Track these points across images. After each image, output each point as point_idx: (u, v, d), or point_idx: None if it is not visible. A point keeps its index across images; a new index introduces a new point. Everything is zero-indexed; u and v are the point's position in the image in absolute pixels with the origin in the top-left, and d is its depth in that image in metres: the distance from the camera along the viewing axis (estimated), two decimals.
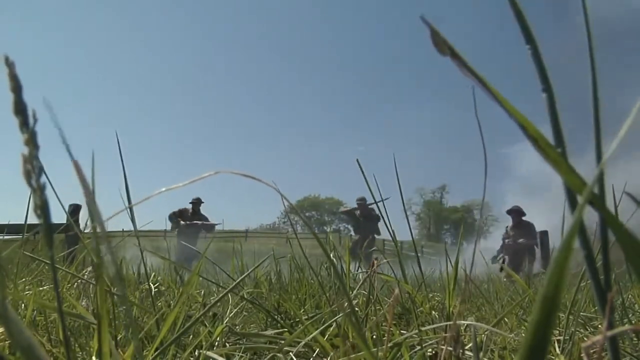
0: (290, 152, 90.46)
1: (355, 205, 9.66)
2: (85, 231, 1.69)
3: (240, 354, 0.94)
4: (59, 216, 1.25)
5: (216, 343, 1.00)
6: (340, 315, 0.94)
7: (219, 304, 1.34)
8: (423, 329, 0.93)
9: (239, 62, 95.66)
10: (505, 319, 1.26)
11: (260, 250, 3.63)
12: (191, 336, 1.04)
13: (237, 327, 1.25)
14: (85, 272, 1.51)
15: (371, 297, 1.11)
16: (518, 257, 8.21)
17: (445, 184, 68.95)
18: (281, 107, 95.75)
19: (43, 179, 0.36)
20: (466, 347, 0.83)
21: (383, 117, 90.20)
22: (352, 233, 9.91)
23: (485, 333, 0.99)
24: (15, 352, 0.77)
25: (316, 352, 0.91)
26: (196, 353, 0.90)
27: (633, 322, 1.29)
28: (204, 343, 0.97)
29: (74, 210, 4.80)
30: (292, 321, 1.24)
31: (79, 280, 1.54)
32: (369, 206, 9.20)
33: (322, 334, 0.94)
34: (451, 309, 1.09)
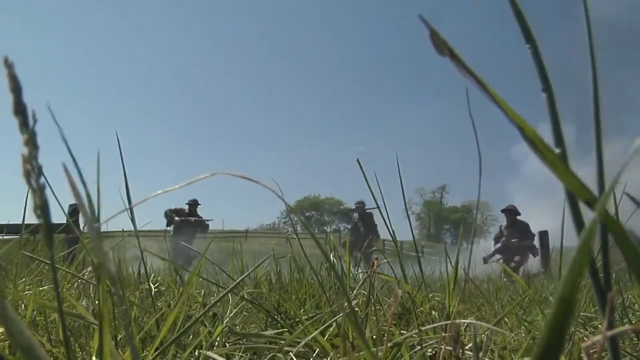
0: (290, 152, 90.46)
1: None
2: (85, 232, 1.69)
3: (240, 354, 0.94)
4: (58, 216, 1.25)
5: (216, 343, 1.00)
6: (340, 315, 0.94)
7: (219, 304, 1.34)
8: (423, 328, 0.93)
9: (239, 62, 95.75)
10: (505, 318, 1.26)
11: (260, 250, 3.63)
12: (191, 336, 1.04)
13: (237, 327, 1.25)
14: (85, 272, 1.52)
15: (371, 297, 1.11)
16: (511, 257, 8.19)
17: (446, 184, 69.06)
18: (281, 107, 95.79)
19: (43, 179, 0.36)
20: (466, 347, 0.83)
21: (383, 117, 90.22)
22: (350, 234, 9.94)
23: (485, 333, 0.99)
24: (15, 352, 0.77)
25: (316, 352, 0.91)
26: (196, 353, 0.90)
27: (633, 322, 1.29)
28: (204, 343, 0.97)
29: (74, 210, 4.80)
30: (292, 321, 1.24)
31: (79, 280, 1.54)
32: (367, 211, 9.23)
33: (322, 334, 0.94)
34: (451, 308, 1.09)
